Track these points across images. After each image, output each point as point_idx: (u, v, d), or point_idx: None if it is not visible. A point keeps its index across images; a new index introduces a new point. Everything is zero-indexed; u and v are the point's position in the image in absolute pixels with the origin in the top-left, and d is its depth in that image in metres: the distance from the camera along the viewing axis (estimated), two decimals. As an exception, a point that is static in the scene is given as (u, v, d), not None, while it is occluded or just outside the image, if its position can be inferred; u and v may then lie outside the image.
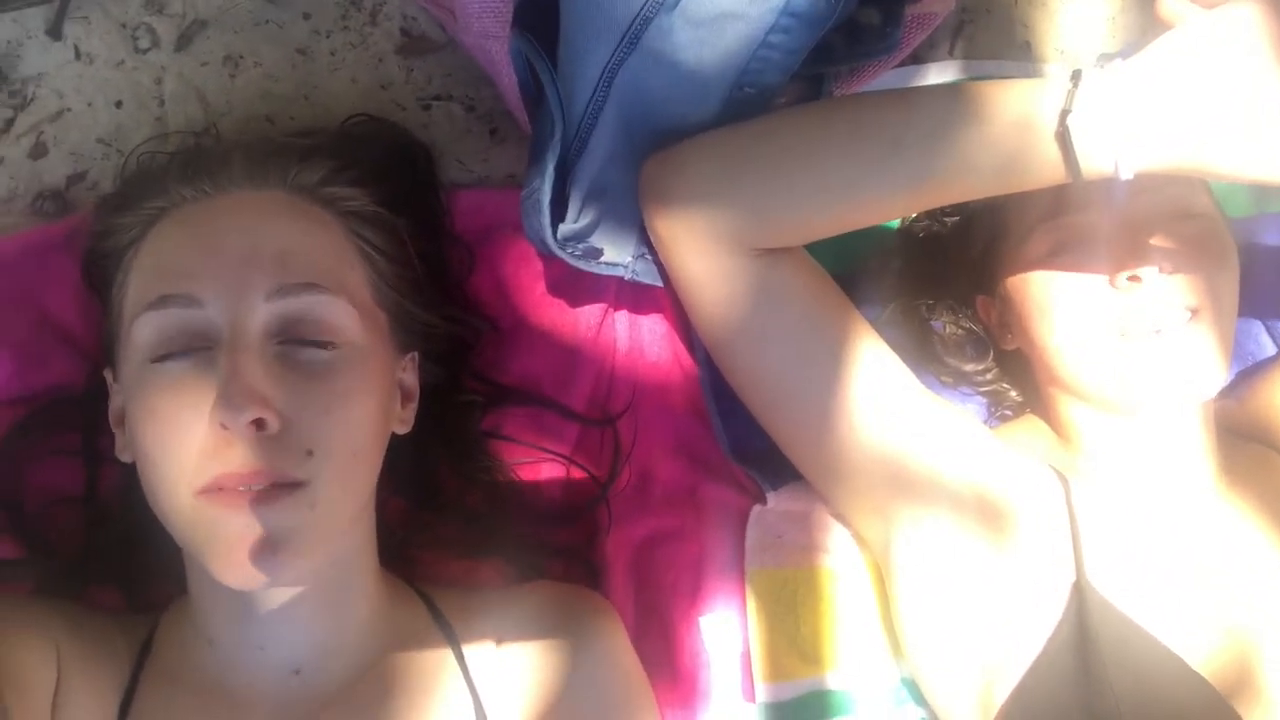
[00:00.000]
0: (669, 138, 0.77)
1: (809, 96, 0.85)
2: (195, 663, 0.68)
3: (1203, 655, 0.74)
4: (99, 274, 0.72)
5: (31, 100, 0.80)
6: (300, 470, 0.61)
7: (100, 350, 0.72)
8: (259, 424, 0.59)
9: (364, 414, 0.65)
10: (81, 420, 0.77)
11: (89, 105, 0.81)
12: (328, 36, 0.86)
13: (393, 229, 0.73)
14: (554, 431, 0.87)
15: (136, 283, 0.66)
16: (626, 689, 0.78)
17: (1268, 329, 0.99)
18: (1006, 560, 0.79)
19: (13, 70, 0.80)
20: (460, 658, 0.72)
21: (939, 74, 0.99)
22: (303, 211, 0.68)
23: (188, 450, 0.60)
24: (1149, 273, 0.74)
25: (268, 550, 0.59)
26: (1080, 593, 0.76)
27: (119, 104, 0.81)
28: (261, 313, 0.62)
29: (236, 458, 0.59)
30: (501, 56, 0.77)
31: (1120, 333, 0.76)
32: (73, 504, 0.78)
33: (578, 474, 0.88)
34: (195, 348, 0.62)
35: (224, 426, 0.59)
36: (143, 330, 0.62)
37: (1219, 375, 0.76)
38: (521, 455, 0.86)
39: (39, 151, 0.80)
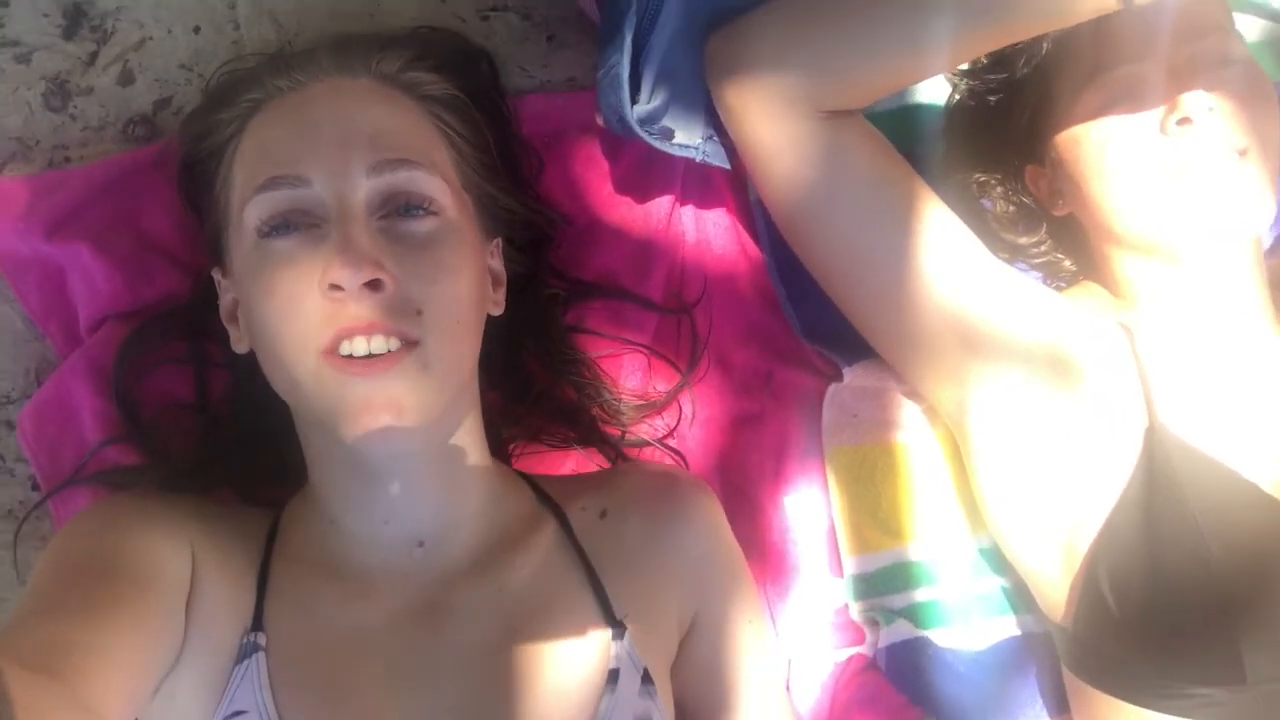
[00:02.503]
0: (731, 13, 0.80)
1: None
2: (322, 544, 0.71)
3: (1275, 479, 0.77)
4: (199, 177, 0.74)
5: (112, 34, 0.83)
6: (413, 328, 0.64)
7: (206, 252, 0.75)
8: (373, 284, 0.62)
9: (465, 284, 0.68)
10: (189, 329, 0.80)
11: (169, 32, 0.84)
12: (388, -44, 0.88)
13: (470, 114, 0.76)
14: (633, 323, 0.90)
15: (242, 172, 0.68)
16: (729, 555, 0.81)
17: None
18: (1080, 412, 0.82)
19: (91, 7, 0.83)
20: (569, 530, 0.76)
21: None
22: (389, 96, 0.71)
23: (307, 318, 0.63)
24: (1198, 111, 0.76)
25: (391, 412, 0.63)
26: (1154, 434, 0.79)
27: (197, 29, 0.84)
28: (364, 188, 0.65)
29: (351, 314, 0.62)
30: (567, -56, 0.80)
31: (1172, 177, 0.78)
32: (186, 410, 0.81)
33: (658, 364, 0.91)
34: (305, 224, 0.65)
35: (336, 288, 0.62)
36: (254, 212, 0.65)
37: (1268, 211, 0.78)
38: (604, 347, 0.89)
39: (126, 79, 0.83)
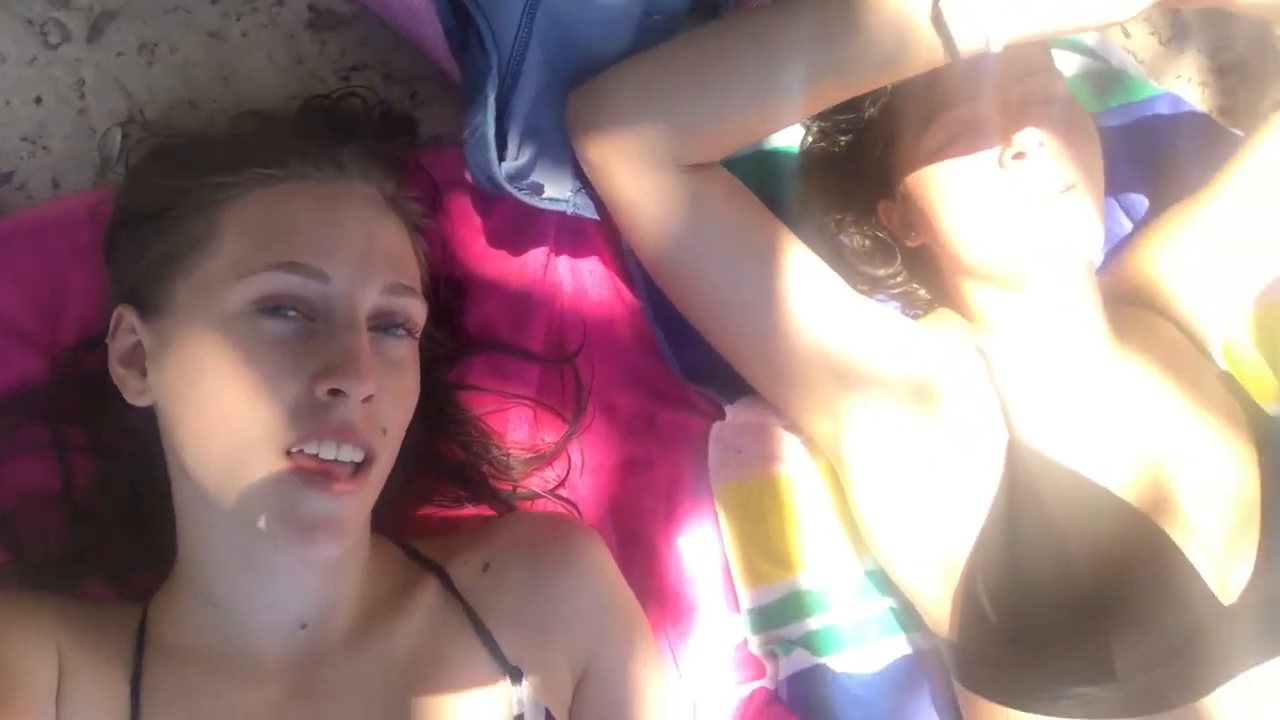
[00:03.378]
0: (589, 72, 0.82)
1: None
2: (198, 631, 0.69)
3: (1124, 484, 0.83)
4: (155, 220, 0.69)
5: (-58, 107, 0.78)
6: (377, 444, 0.65)
7: (113, 293, 0.71)
8: (368, 399, 0.63)
9: (413, 406, 0.71)
10: (48, 414, 0.76)
11: (7, 104, 0.80)
12: (238, 19, 0.86)
13: (430, 240, 0.80)
14: (516, 376, 0.90)
15: (244, 241, 0.66)
16: (618, 600, 0.82)
17: (1123, 209, 1.11)
18: (944, 434, 0.87)
19: (-83, 79, 0.78)
20: (451, 587, 0.75)
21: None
22: (394, 217, 0.74)
23: (279, 404, 0.62)
24: (1030, 146, 0.82)
25: (337, 533, 0.64)
26: (1014, 449, 0.84)
27: (38, 100, 0.80)
28: (374, 302, 0.67)
29: (335, 418, 0.63)
30: (424, 8, 0.80)
31: (1012, 209, 0.83)
32: (48, 500, 0.76)
33: (544, 415, 0.91)
34: (300, 314, 0.64)
35: (339, 393, 0.62)
36: (256, 286, 0.64)
37: (1099, 238, 0.85)
38: (489, 403, 0.89)
39: (-40, 155, 0.79)
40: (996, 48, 0.74)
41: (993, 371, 0.89)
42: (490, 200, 0.90)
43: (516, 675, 0.71)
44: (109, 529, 0.76)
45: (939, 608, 0.88)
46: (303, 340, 0.64)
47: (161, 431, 0.68)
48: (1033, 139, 0.82)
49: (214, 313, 0.64)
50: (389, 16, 0.89)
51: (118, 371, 0.69)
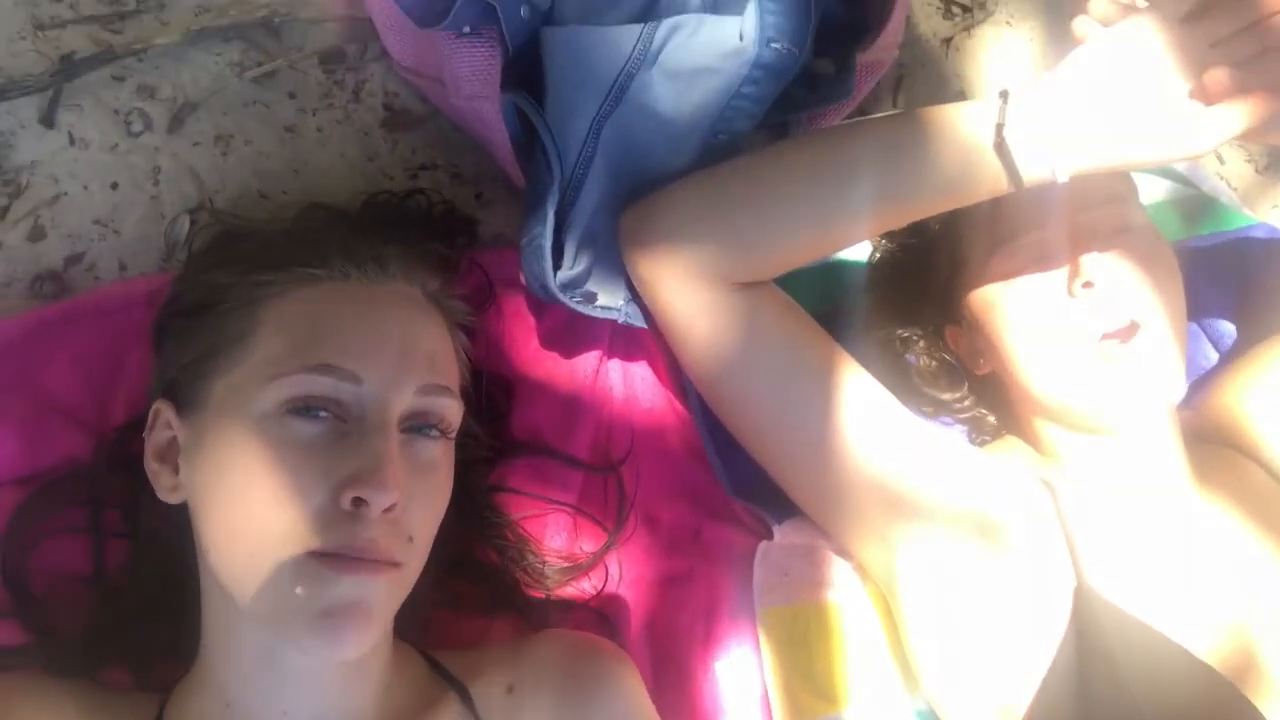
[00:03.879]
0: (650, 185, 0.82)
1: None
2: None
3: (1206, 646, 0.77)
4: (201, 308, 0.70)
5: (26, 188, 0.81)
6: (402, 553, 0.64)
7: (155, 386, 0.72)
8: (390, 508, 0.62)
9: (444, 507, 0.69)
10: (87, 495, 0.76)
11: (85, 188, 0.82)
12: (314, 114, 0.89)
13: (475, 338, 0.80)
14: (559, 481, 0.88)
15: (281, 340, 0.66)
16: None
17: (1210, 340, 1.06)
18: (1007, 570, 0.82)
19: (5, 160, 0.81)
20: (472, 709, 0.72)
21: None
22: (435, 316, 0.73)
23: (304, 510, 0.61)
24: (1100, 275, 0.79)
25: (362, 618, 0.62)
26: (1082, 596, 0.79)
27: (114, 185, 0.83)
28: (407, 404, 0.66)
29: (361, 532, 0.61)
30: (493, 116, 0.82)
31: (1082, 341, 0.79)
32: (77, 583, 0.76)
33: (584, 523, 0.89)
34: (331, 414, 0.64)
35: (361, 502, 0.61)
36: (289, 387, 0.63)
37: (1179, 380, 0.80)
38: (528, 507, 0.87)
39: (37, 235, 0.81)
40: (1063, 178, 0.71)
41: (1061, 509, 0.84)
42: (545, 302, 0.90)
43: None
44: (135, 616, 0.75)
45: (993, 757, 0.82)
46: (332, 442, 0.63)
47: (192, 527, 0.67)
48: (1100, 266, 0.79)
49: (246, 412, 0.64)
50: (460, 120, 0.91)
51: (152, 467, 0.69)
